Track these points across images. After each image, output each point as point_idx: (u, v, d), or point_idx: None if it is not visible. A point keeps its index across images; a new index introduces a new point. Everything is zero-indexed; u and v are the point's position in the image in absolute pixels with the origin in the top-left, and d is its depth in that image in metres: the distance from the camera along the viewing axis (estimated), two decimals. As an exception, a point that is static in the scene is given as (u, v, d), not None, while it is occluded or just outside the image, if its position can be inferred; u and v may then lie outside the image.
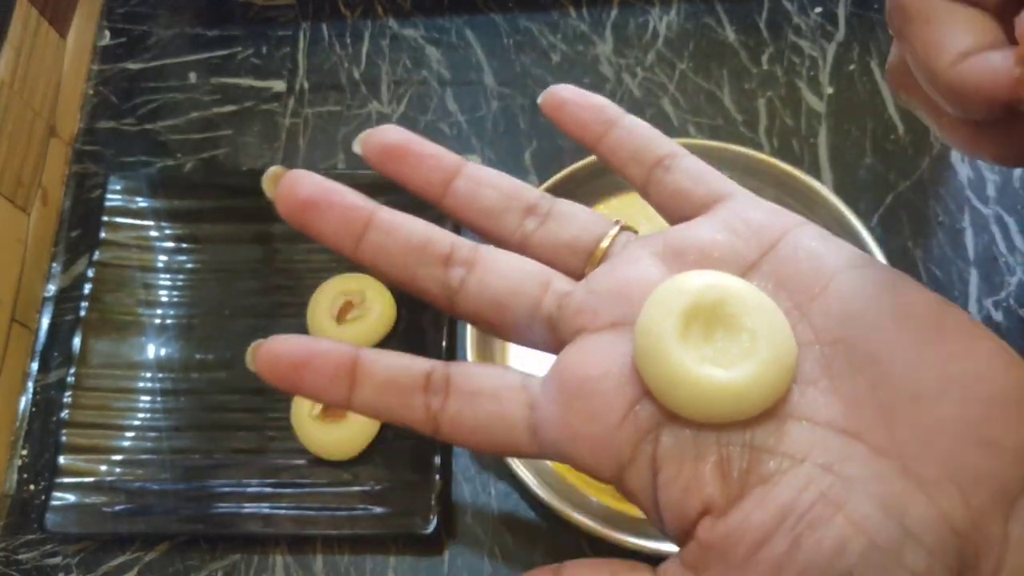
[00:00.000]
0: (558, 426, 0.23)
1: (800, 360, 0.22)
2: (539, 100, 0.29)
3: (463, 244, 0.26)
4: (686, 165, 0.27)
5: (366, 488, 0.45)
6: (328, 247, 0.26)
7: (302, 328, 0.49)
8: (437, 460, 0.44)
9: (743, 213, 0.25)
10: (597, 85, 0.55)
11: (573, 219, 0.27)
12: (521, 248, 0.27)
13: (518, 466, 0.43)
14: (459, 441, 0.25)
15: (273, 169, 0.26)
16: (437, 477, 0.44)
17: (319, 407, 0.46)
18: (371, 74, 0.58)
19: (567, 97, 0.28)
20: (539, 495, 0.42)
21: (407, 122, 0.56)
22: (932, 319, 0.22)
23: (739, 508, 0.21)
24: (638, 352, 0.23)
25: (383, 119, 0.56)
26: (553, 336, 0.25)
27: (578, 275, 0.26)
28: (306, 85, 0.58)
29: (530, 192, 0.27)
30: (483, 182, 0.27)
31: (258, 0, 0.60)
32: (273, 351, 0.24)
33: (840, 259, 0.24)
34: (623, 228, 0.27)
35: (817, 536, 0.20)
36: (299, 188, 0.25)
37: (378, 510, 0.45)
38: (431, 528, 0.43)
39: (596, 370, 0.23)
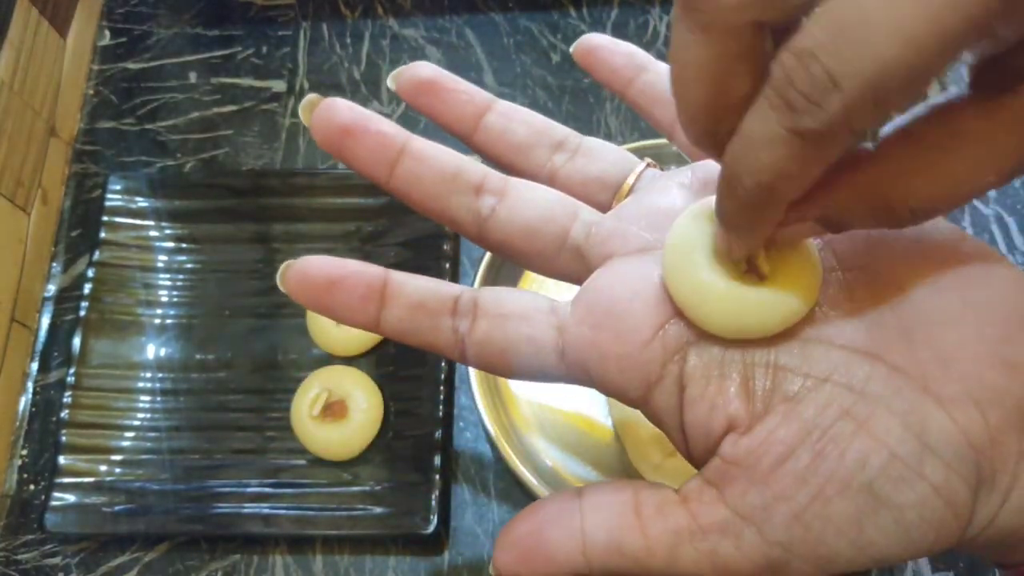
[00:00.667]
0: (587, 346, 0.24)
1: (823, 285, 0.23)
2: (571, 49, 0.29)
3: (494, 174, 0.26)
4: None
5: (366, 488, 0.45)
6: (363, 175, 0.26)
7: (302, 328, 0.49)
8: (437, 460, 0.44)
9: None
10: (597, 85, 0.55)
11: (602, 154, 0.27)
12: (550, 182, 0.27)
13: (518, 466, 0.43)
14: (487, 363, 0.25)
15: (310, 97, 0.26)
16: (437, 477, 0.44)
17: (319, 407, 0.46)
18: (371, 74, 0.58)
19: (599, 43, 0.29)
20: (539, 495, 0.42)
21: (407, 122, 0.55)
22: (950, 246, 0.23)
23: (763, 424, 0.21)
24: (667, 268, 0.23)
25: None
26: (582, 264, 0.26)
27: (606, 209, 0.27)
28: (306, 85, 0.58)
29: (560, 129, 0.28)
30: (514, 118, 0.28)
31: (258, 0, 0.60)
32: (305, 270, 0.25)
33: None
34: (649, 165, 0.28)
35: (840, 449, 0.21)
36: (335, 115, 0.25)
37: (378, 510, 0.45)
38: (431, 528, 0.43)
39: (626, 291, 0.24)
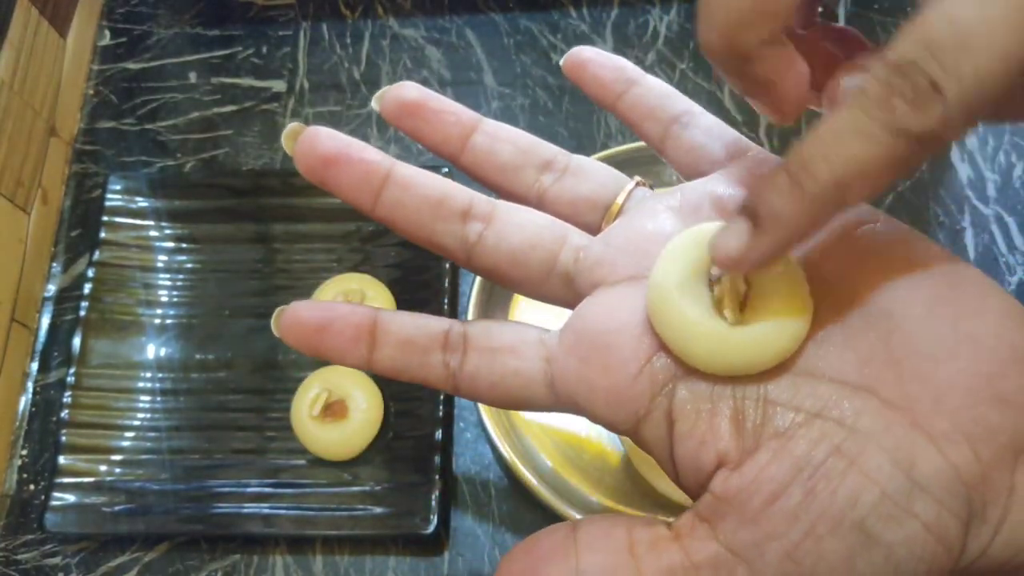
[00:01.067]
0: (575, 379, 0.24)
1: (814, 315, 0.22)
2: (561, 62, 0.29)
3: (481, 199, 0.26)
4: (704, 122, 0.28)
5: (366, 488, 0.45)
6: (347, 203, 0.26)
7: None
8: (437, 460, 0.44)
9: (758, 169, 0.26)
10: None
11: (590, 174, 0.27)
12: (538, 203, 0.27)
13: (518, 466, 0.43)
14: (477, 396, 0.25)
15: (292, 125, 0.26)
16: (437, 477, 0.44)
17: (319, 407, 0.46)
18: (371, 74, 0.58)
19: (589, 57, 0.29)
20: (539, 495, 0.42)
21: (407, 122, 0.56)
22: (945, 276, 0.23)
23: (754, 461, 0.21)
24: (651, 305, 0.23)
25: (383, 119, 0.56)
26: (570, 290, 0.25)
27: (595, 230, 0.26)
28: (306, 85, 0.58)
29: (547, 148, 0.27)
30: (500, 138, 0.27)
31: (258, 0, 0.60)
32: (295, 316, 0.25)
33: (853, 217, 0.24)
34: (639, 184, 0.27)
35: (831, 487, 0.20)
36: (318, 144, 0.25)
37: (378, 510, 0.45)
38: (431, 528, 0.43)
39: (613, 323, 0.24)
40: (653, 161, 0.46)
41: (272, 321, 0.25)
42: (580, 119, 0.55)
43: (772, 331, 0.21)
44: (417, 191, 0.25)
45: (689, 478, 0.23)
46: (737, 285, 0.22)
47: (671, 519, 0.23)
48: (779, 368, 0.22)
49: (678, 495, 0.43)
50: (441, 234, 0.26)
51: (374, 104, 0.27)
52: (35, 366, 0.52)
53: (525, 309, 0.48)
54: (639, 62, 0.56)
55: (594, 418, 0.24)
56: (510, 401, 0.25)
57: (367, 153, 0.25)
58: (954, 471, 0.20)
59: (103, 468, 0.47)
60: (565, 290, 0.25)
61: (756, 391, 0.22)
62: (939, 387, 0.21)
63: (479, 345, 0.25)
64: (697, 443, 0.22)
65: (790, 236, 0.20)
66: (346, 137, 0.25)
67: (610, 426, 0.24)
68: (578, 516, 0.41)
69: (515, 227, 0.25)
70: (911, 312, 0.22)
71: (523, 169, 0.27)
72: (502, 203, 0.26)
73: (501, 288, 0.47)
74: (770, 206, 0.20)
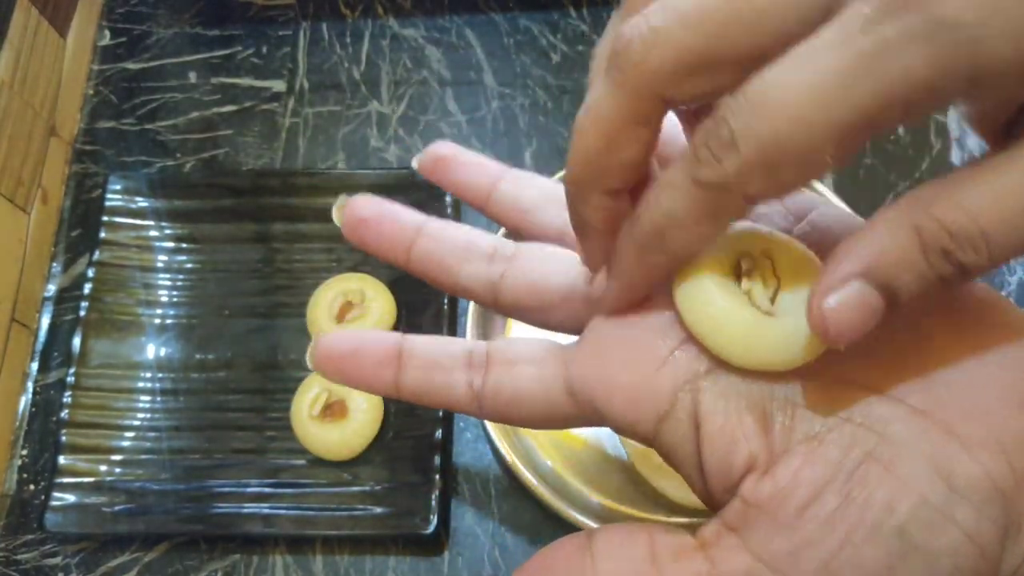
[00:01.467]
0: (595, 378, 0.23)
1: None
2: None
3: (505, 242, 0.27)
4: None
5: (366, 488, 0.45)
6: (385, 259, 0.28)
7: (302, 328, 0.49)
8: (437, 460, 0.44)
9: None
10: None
11: None
12: (559, 238, 0.28)
13: (518, 466, 0.43)
14: (501, 413, 0.25)
15: (340, 198, 0.29)
16: (437, 477, 0.44)
17: (319, 407, 0.46)
18: (371, 74, 0.58)
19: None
20: (539, 495, 0.42)
21: (407, 122, 0.56)
22: (976, 299, 0.23)
23: (785, 465, 0.21)
24: (680, 294, 0.22)
25: (383, 119, 0.56)
26: (591, 309, 0.26)
27: None
28: (306, 85, 0.58)
29: None
30: (525, 184, 0.29)
31: (258, 0, 0.60)
32: (326, 347, 0.26)
33: None
34: None
35: (867, 493, 0.20)
36: (358, 210, 0.28)
37: (378, 510, 0.45)
38: (431, 528, 0.43)
39: (635, 320, 0.23)
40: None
41: (308, 356, 0.27)
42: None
43: (804, 326, 0.21)
44: (446, 241, 0.27)
45: (718, 484, 0.22)
46: (766, 276, 0.22)
47: (691, 524, 0.22)
48: (806, 371, 0.22)
49: (678, 495, 0.43)
50: (468, 277, 0.27)
51: (414, 164, 0.30)
52: (35, 366, 0.52)
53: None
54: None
55: (614, 420, 0.23)
56: (531, 413, 0.25)
57: (402, 214, 0.28)
58: (990, 479, 0.20)
59: (103, 468, 0.47)
60: (586, 312, 0.26)
61: (784, 391, 0.22)
62: (969, 395, 0.21)
63: (500, 359, 0.25)
64: (727, 443, 0.21)
65: (631, 283, 0.22)
66: (384, 202, 0.28)
67: (631, 428, 0.23)
68: (578, 517, 0.41)
69: (536, 260, 0.27)
70: (938, 323, 0.22)
71: (545, 208, 0.28)
72: (525, 244, 0.27)
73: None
74: (616, 252, 0.22)
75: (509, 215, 0.29)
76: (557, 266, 0.26)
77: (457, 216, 0.51)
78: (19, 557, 0.47)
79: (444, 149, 0.30)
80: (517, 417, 0.25)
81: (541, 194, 0.29)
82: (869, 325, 0.19)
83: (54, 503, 0.45)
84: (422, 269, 0.27)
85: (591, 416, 0.24)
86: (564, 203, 0.27)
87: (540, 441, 0.45)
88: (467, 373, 0.25)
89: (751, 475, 0.21)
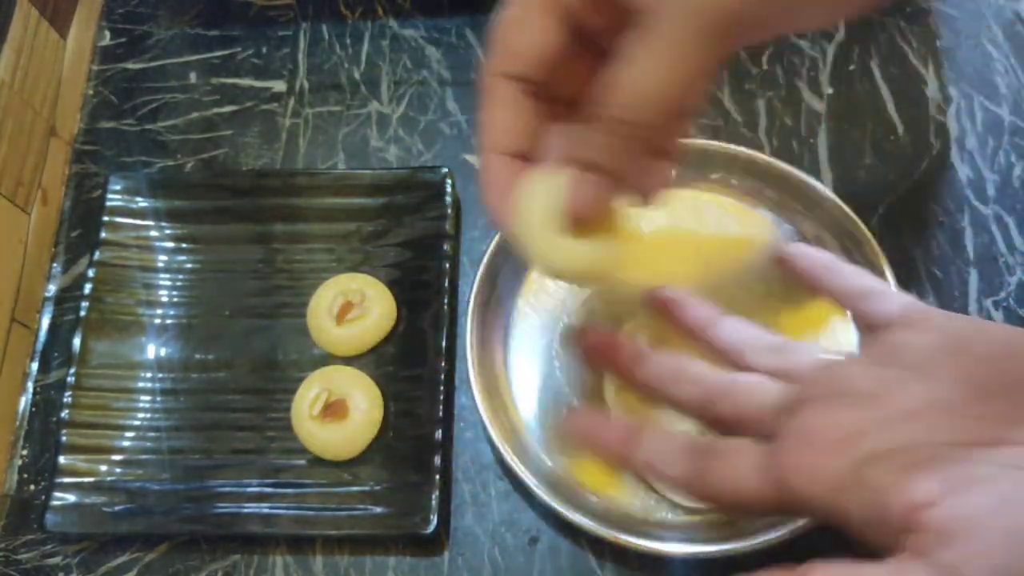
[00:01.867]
0: (794, 468, 0.29)
1: (968, 401, 0.27)
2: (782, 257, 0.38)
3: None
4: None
5: (366, 488, 0.45)
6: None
7: (302, 328, 0.49)
8: (437, 460, 0.44)
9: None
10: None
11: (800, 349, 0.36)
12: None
13: (518, 466, 0.43)
14: (710, 496, 0.32)
15: (566, 325, 0.41)
16: (437, 477, 0.44)
17: (319, 407, 0.46)
18: (371, 74, 0.58)
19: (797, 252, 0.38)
20: (539, 495, 0.42)
21: (407, 122, 0.56)
22: None
23: (959, 497, 0.25)
24: (519, 231, 0.33)
25: (383, 119, 0.56)
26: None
27: None
28: (306, 85, 0.58)
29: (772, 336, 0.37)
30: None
31: (258, 0, 0.60)
32: (575, 426, 0.38)
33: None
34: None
35: None
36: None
37: (378, 510, 0.45)
38: (431, 528, 0.43)
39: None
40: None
41: (564, 426, 0.36)
42: (580, 119, 0.55)
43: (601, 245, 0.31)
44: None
45: (897, 520, 0.26)
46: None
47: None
48: (937, 412, 0.27)
49: (678, 495, 0.43)
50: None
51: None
52: (35, 366, 0.52)
53: (527, 313, 0.48)
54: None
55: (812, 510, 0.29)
56: (735, 497, 0.32)
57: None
58: None
59: (103, 468, 0.47)
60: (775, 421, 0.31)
61: (929, 437, 0.27)
62: None
63: (711, 450, 0.32)
64: (902, 485, 0.26)
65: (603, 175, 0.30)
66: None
67: (826, 513, 0.28)
68: (578, 516, 0.41)
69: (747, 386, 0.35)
70: None
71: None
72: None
73: (503, 283, 0.47)
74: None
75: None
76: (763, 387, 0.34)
77: (457, 216, 0.50)
78: (19, 557, 0.47)
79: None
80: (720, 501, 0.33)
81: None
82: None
83: (54, 503, 0.45)
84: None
85: (794, 504, 0.29)
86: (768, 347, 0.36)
87: (540, 441, 0.45)
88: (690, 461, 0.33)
89: (930, 508, 0.25)
